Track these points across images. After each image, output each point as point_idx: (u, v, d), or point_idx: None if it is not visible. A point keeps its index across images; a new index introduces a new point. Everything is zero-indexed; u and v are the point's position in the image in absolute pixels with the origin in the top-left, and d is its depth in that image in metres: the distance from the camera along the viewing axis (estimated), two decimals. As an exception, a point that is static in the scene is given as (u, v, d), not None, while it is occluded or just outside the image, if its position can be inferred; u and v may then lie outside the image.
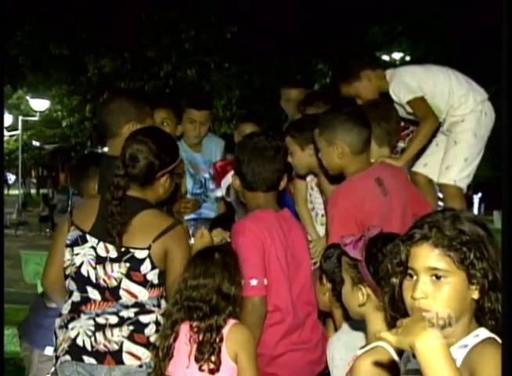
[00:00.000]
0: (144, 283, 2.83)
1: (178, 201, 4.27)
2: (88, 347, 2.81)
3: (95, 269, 2.86)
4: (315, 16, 17.84)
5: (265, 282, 3.02)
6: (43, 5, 16.64)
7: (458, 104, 4.04)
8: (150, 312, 2.85)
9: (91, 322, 2.83)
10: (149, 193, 2.98)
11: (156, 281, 2.85)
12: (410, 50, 23.36)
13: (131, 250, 2.84)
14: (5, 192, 36.95)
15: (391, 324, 1.86)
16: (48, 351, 3.54)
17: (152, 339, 2.82)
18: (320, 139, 3.39)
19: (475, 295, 1.81)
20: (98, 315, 2.83)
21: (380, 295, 2.16)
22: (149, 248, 2.83)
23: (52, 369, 3.08)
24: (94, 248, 2.88)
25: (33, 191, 44.17)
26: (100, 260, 2.86)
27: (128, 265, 2.83)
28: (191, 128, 4.72)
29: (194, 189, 4.80)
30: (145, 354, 2.80)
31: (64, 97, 20.49)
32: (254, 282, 2.98)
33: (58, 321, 2.93)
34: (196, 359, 2.75)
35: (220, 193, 4.06)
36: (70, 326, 2.86)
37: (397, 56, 23.03)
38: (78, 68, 17.74)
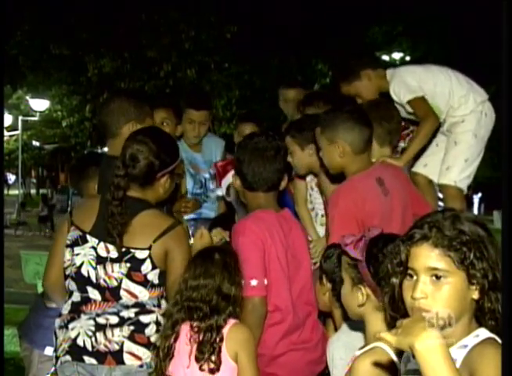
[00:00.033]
0: (144, 283, 2.84)
1: (178, 201, 4.28)
2: (89, 347, 2.81)
3: (95, 269, 2.86)
4: (315, 16, 17.83)
5: (265, 282, 3.02)
6: (43, 5, 16.63)
7: (458, 105, 4.04)
8: (151, 312, 2.85)
9: (92, 322, 2.83)
10: (150, 194, 2.98)
11: (156, 281, 2.85)
12: (410, 50, 23.34)
13: (132, 250, 2.84)
14: (5, 192, 36.95)
15: (391, 324, 1.86)
16: (48, 351, 3.54)
17: (152, 339, 2.82)
18: (321, 138, 3.39)
19: (475, 295, 1.81)
20: (98, 315, 2.84)
21: (380, 296, 2.16)
22: (149, 248, 2.83)
23: (52, 369, 3.08)
24: (94, 248, 2.88)
25: (33, 191, 44.20)
26: (101, 260, 2.86)
27: (128, 265, 2.83)
28: (190, 128, 4.73)
29: (194, 189, 4.80)
30: (145, 354, 2.80)
31: (64, 97, 20.47)
32: (254, 282, 2.98)
33: (58, 321, 2.93)
34: (197, 359, 2.75)
35: (220, 192, 4.06)
36: (71, 326, 2.86)
37: (397, 56, 23.02)
38: (78, 68, 17.72)
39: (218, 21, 17.07)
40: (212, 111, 5.11)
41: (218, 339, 2.75)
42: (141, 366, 2.80)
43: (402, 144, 4.18)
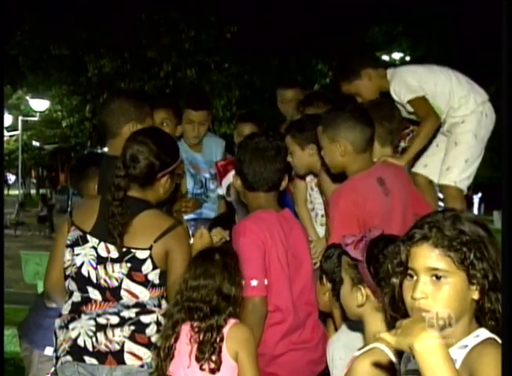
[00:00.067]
0: (145, 283, 2.84)
1: (178, 201, 4.27)
2: (90, 347, 2.81)
3: (95, 269, 2.86)
4: (315, 16, 17.83)
5: (266, 282, 3.03)
6: (43, 5, 16.62)
7: (458, 105, 4.04)
8: (151, 312, 2.85)
9: (92, 322, 2.83)
10: (150, 194, 2.98)
11: (157, 281, 2.85)
12: (410, 50, 23.34)
13: (133, 250, 2.84)
14: (5, 192, 36.95)
15: (390, 325, 1.86)
16: (48, 351, 3.54)
17: (153, 339, 2.82)
18: (323, 137, 3.38)
19: (475, 296, 1.81)
20: (99, 315, 2.84)
21: (380, 296, 2.16)
22: (150, 248, 2.84)
23: (52, 369, 3.08)
24: (95, 248, 2.88)
25: (33, 191, 44.20)
26: (101, 260, 2.86)
27: (129, 265, 2.83)
28: (190, 128, 4.72)
29: (195, 189, 4.80)
30: (146, 354, 2.81)
31: (64, 97, 20.48)
32: (254, 282, 2.98)
33: (58, 321, 2.93)
34: (197, 359, 2.76)
35: (221, 191, 4.07)
36: (71, 326, 2.86)
37: (397, 56, 23.02)
38: (78, 68, 17.72)
39: (218, 21, 17.07)
40: (211, 111, 5.10)
41: (218, 339, 2.76)
42: (141, 366, 2.80)
43: (402, 144, 4.17)
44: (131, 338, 2.80)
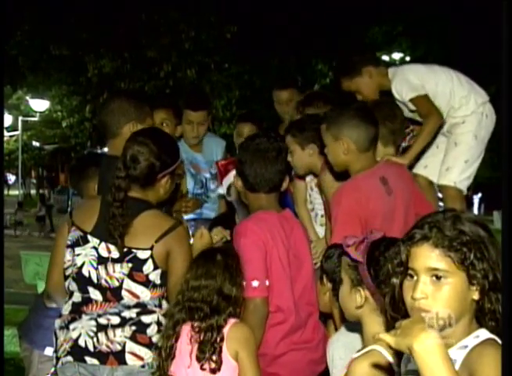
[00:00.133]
0: (146, 283, 2.84)
1: (178, 200, 4.28)
2: (91, 348, 2.81)
3: (96, 269, 2.86)
4: (315, 16, 17.82)
5: (267, 283, 3.03)
6: (43, 5, 16.62)
7: (459, 105, 4.03)
8: (152, 312, 2.85)
9: (93, 322, 2.83)
10: (150, 194, 2.98)
11: (158, 281, 2.85)
12: (410, 50, 23.33)
13: (134, 250, 2.84)
14: (5, 192, 36.95)
15: (390, 326, 1.86)
16: (48, 351, 3.54)
17: (154, 339, 2.82)
18: (327, 135, 3.38)
19: (475, 296, 1.81)
20: (99, 315, 2.84)
21: (379, 299, 2.16)
22: (151, 249, 2.84)
23: (52, 369, 3.08)
24: (96, 249, 2.88)
25: (33, 191, 44.17)
26: (102, 260, 2.86)
27: (130, 265, 2.83)
28: (189, 129, 4.73)
29: (195, 189, 4.80)
30: (147, 354, 2.81)
31: (64, 97, 20.48)
32: (255, 283, 2.99)
33: (58, 322, 2.93)
34: (198, 359, 2.76)
35: (222, 190, 4.07)
36: (72, 326, 2.86)
37: (397, 56, 23.00)
38: (78, 68, 17.70)
39: (218, 21, 17.05)
40: (211, 111, 5.10)
41: (218, 339, 2.77)
42: (143, 366, 2.81)
43: (402, 144, 4.17)
44: (133, 338, 2.80)
